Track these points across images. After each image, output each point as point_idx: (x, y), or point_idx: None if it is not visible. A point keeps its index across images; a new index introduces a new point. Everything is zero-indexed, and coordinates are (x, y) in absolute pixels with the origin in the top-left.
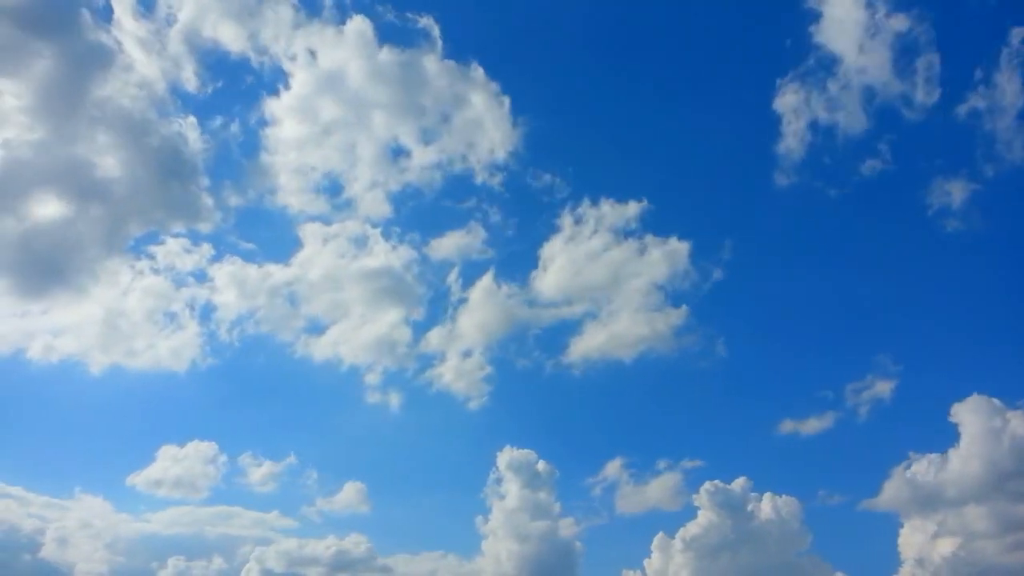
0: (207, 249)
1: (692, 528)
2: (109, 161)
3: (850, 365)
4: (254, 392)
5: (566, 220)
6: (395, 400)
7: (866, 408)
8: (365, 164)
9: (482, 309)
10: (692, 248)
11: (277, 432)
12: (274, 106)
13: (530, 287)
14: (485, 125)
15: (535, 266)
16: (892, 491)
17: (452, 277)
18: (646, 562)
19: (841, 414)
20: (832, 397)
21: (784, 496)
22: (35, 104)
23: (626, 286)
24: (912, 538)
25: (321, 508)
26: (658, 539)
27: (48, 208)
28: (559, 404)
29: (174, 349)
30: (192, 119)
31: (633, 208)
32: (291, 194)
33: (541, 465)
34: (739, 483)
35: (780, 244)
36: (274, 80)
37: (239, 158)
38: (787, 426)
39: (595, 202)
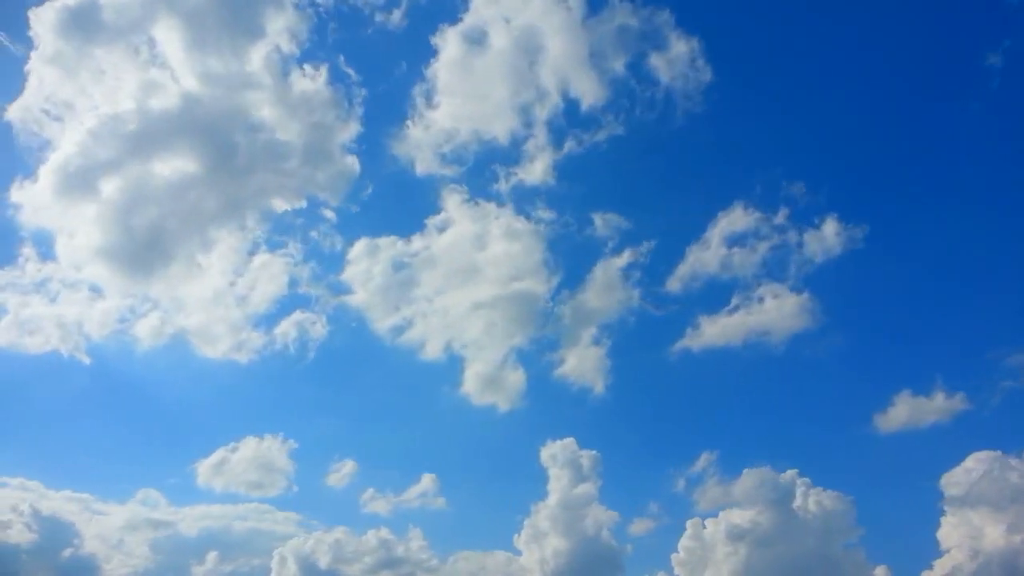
0: (344, 222)
1: (730, 516)
2: (251, 119)
3: (988, 356)
4: (362, 377)
5: (744, 192)
6: (514, 380)
7: (998, 399)
8: (532, 125)
9: (615, 290)
10: (868, 233)
11: (367, 424)
12: (440, 41)
13: (682, 265)
14: (681, 80)
15: (696, 241)
16: (982, 485)
17: (604, 252)
18: (673, 557)
19: (970, 407)
20: (961, 386)
21: (832, 491)
22: (183, 50)
23: (775, 269)
24: (958, 531)
25: (392, 501)
26: (691, 524)
27: (178, 168)
28: (686, 390)
29: (298, 331)
30: (350, 65)
31: (813, 188)
32: (439, 158)
33: (586, 458)
34: (789, 475)
35: (954, 227)
36: (443, 20)
37: (391, 111)
38: (899, 418)
39: (789, 180)
